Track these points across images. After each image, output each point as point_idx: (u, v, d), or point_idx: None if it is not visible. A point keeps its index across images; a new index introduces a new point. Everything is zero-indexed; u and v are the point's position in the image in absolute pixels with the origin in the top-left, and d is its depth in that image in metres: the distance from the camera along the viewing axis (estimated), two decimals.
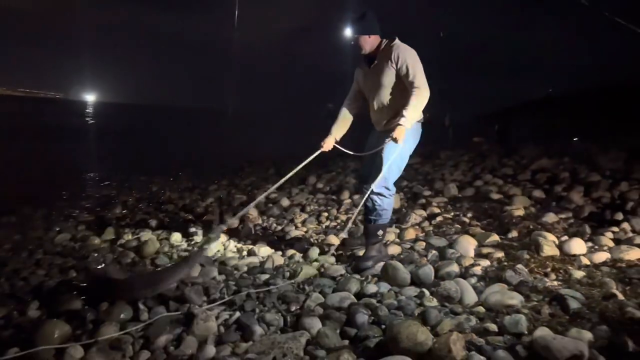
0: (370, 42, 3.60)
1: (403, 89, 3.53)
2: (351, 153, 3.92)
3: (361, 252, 3.93)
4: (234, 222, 4.18)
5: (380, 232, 3.77)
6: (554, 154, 10.53)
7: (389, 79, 3.56)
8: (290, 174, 4.05)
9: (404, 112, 3.41)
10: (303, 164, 3.96)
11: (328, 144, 3.90)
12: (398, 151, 3.50)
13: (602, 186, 6.07)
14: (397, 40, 3.59)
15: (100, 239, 5.15)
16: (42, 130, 28.24)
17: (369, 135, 3.92)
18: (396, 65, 3.51)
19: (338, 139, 3.94)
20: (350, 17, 3.73)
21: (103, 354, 2.55)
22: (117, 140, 25.52)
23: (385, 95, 3.60)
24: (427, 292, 3.11)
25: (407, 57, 3.49)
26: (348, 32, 3.72)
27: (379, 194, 3.61)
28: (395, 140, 3.39)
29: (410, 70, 3.47)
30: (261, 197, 4.26)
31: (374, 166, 3.63)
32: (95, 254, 4.50)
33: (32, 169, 12.03)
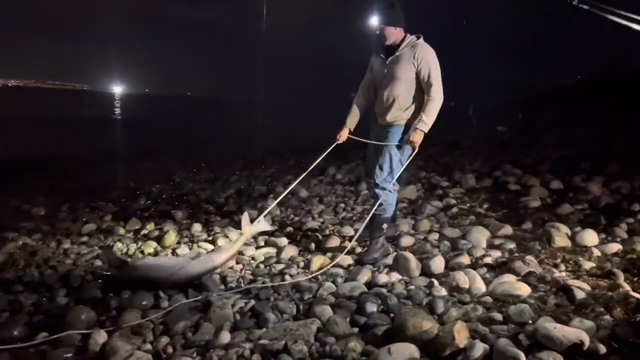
0: (395, 34, 3.63)
1: (415, 88, 3.59)
2: (366, 141, 3.95)
3: None
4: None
5: (384, 226, 3.85)
6: (577, 143, 10.40)
7: (406, 74, 3.60)
8: (310, 168, 4.18)
9: (424, 118, 3.52)
10: (321, 157, 4.08)
11: (343, 136, 3.98)
12: (405, 150, 3.62)
13: (622, 176, 6.01)
14: (421, 39, 3.63)
15: (124, 229, 5.34)
16: (69, 121, 28.91)
17: (371, 126, 3.96)
18: (417, 63, 3.55)
19: (352, 130, 4.01)
20: (378, 6, 3.74)
21: (125, 339, 2.70)
22: (141, 132, 25.95)
23: (397, 89, 3.63)
24: (436, 283, 3.18)
25: (430, 60, 3.56)
26: (374, 21, 3.74)
27: (383, 188, 3.69)
28: (412, 143, 3.52)
29: (431, 74, 3.54)
30: (284, 194, 4.52)
31: (377, 161, 3.71)
32: (120, 244, 4.69)
33: (61, 160, 12.35)
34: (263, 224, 4.04)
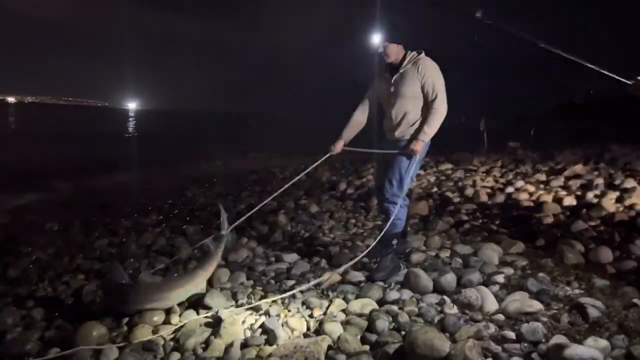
0: (397, 51, 3.67)
1: (422, 103, 3.62)
2: (361, 150, 3.98)
3: None
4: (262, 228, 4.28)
5: (394, 241, 3.84)
6: (590, 159, 10.32)
7: (412, 90, 3.63)
8: (297, 177, 4.29)
9: (425, 129, 3.56)
10: (312, 166, 4.16)
11: (338, 147, 3.98)
12: (413, 163, 3.64)
13: (637, 193, 5.95)
14: (423, 54, 3.68)
15: (136, 244, 5.37)
16: (84, 136, 29.29)
17: (381, 142, 3.94)
18: (421, 78, 3.60)
19: (347, 142, 4.00)
20: (379, 24, 3.74)
21: (137, 355, 2.71)
22: (154, 146, 26.20)
23: (404, 106, 3.65)
24: (448, 300, 3.16)
25: (433, 73, 3.61)
26: (376, 39, 3.75)
27: (393, 203, 3.69)
28: (413, 152, 3.53)
29: (434, 87, 3.58)
30: (267, 201, 4.47)
31: (387, 177, 3.72)
32: (131, 260, 4.71)
33: (73, 175, 12.50)
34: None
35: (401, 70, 3.66)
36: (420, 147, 3.58)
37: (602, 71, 2.54)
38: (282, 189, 4.34)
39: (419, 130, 3.64)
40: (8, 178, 11.18)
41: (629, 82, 2.48)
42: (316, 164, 4.07)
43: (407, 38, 3.72)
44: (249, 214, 4.43)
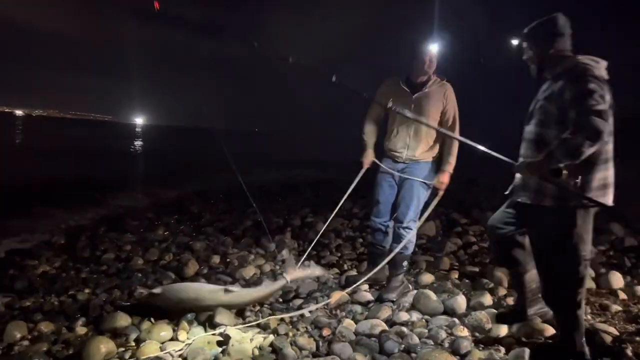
0: (433, 67, 3.67)
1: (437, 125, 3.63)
2: (386, 169, 3.84)
3: None
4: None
5: (405, 263, 3.82)
6: None
7: (435, 111, 3.66)
8: (343, 198, 4.09)
9: (451, 159, 3.66)
10: (353, 184, 3.97)
11: (369, 158, 3.91)
12: (430, 190, 3.72)
13: None
14: (445, 81, 3.73)
15: (143, 259, 5.36)
16: (92, 151, 29.45)
17: (382, 163, 3.89)
18: (446, 103, 3.66)
19: (373, 149, 3.95)
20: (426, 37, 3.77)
21: None
22: (160, 162, 26.32)
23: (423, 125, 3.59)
24: (457, 322, 3.13)
25: (455, 102, 3.71)
26: (430, 47, 3.67)
27: (409, 228, 3.68)
28: (441, 186, 3.67)
29: (455, 116, 3.70)
30: (324, 228, 4.62)
31: (402, 201, 3.70)
32: (139, 274, 4.70)
33: (80, 189, 12.55)
34: (313, 268, 3.93)
35: (426, 89, 3.65)
36: (447, 179, 3.67)
37: (488, 151, 2.77)
38: (334, 212, 4.25)
39: (434, 154, 3.68)
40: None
41: (514, 163, 2.60)
42: (357, 179, 3.98)
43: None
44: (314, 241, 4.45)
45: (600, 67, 2.36)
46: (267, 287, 3.65)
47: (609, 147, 2.38)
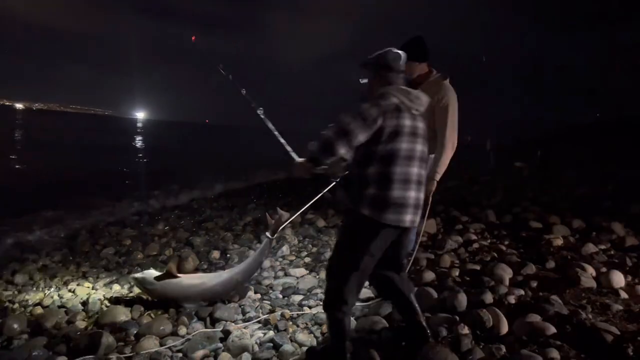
0: (419, 69, 3.59)
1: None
2: None
3: None
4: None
5: (404, 260, 3.79)
6: (598, 181, 10.28)
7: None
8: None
9: (437, 169, 3.48)
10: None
11: None
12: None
13: None
14: (447, 81, 3.58)
15: (143, 254, 5.35)
16: (93, 145, 29.45)
17: None
18: (439, 103, 3.48)
19: None
20: (404, 42, 3.56)
21: None
22: (162, 157, 26.30)
23: None
24: (458, 319, 3.11)
25: (451, 104, 3.49)
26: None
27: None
28: (427, 192, 3.48)
29: (447, 118, 3.48)
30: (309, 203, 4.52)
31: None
32: (138, 268, 4.69)
33: (82, 182, 12.55)
34: (281, 215, 3.98)
35: (419, 89, 3.60)
36: (434, 187, 3.50)
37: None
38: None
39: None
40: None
41: (295, 162, 2.62)
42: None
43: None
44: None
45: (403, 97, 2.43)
46: (257, 253, 3.91)
47: (413, 171, 2.39)
